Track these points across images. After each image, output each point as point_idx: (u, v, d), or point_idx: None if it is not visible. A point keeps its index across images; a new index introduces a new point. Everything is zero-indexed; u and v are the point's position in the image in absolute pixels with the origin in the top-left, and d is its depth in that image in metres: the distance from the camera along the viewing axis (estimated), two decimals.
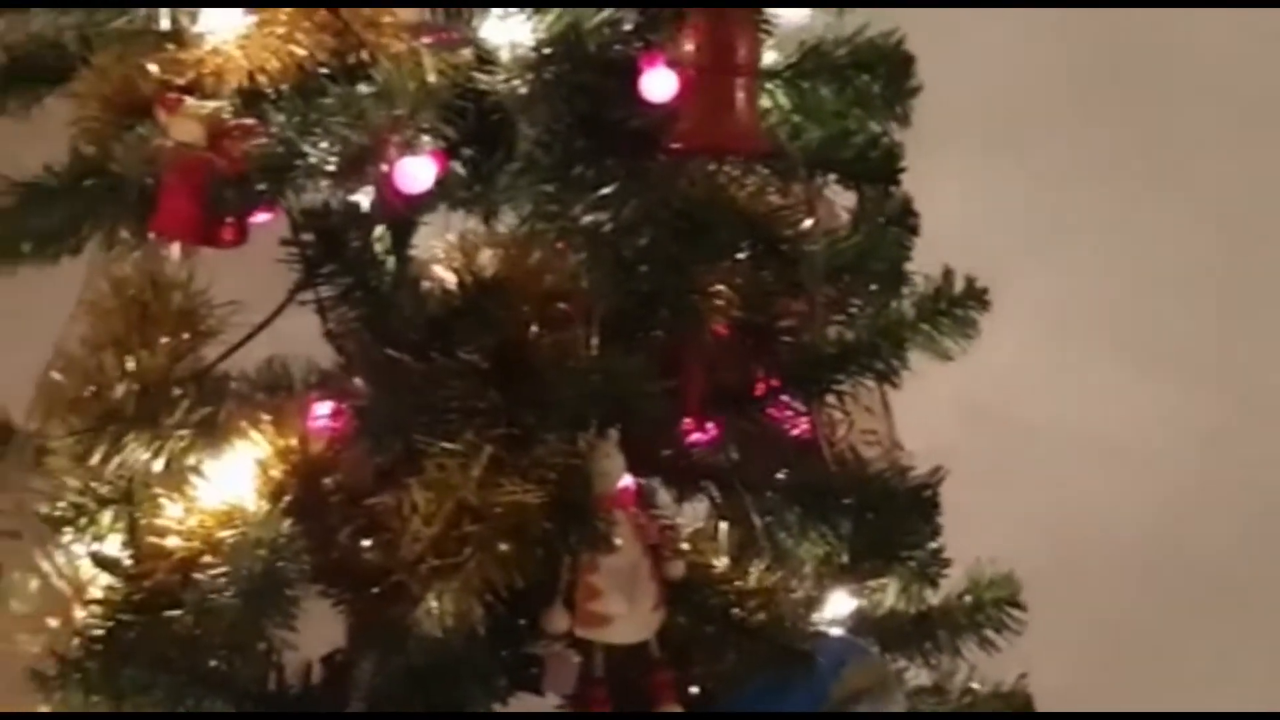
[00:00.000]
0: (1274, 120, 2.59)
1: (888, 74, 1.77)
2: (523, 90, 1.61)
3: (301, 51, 1.64)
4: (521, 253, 1.63)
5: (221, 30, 1.63)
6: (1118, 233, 2.60)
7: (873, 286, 1.82)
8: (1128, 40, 2.57)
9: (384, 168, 1.58)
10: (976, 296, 1.91)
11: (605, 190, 1.61)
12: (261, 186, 1.55)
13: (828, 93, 1.77)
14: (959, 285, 1.91)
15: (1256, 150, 2.59)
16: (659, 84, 1.66)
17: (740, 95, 1.59)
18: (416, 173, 1.59)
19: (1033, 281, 2.48)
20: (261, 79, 1.64)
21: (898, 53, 1.78)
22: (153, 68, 1.66)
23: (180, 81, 1.64)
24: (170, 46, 1.67)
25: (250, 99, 1.64)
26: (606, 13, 1.65)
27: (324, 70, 1.65)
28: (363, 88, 1.63)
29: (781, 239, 1.68)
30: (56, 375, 1.70)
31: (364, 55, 1.65)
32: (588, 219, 1.59)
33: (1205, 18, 2.55)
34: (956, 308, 1.90)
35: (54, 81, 1.80)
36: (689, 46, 1.60)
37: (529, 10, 1.64)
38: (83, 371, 1.67)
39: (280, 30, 1.64)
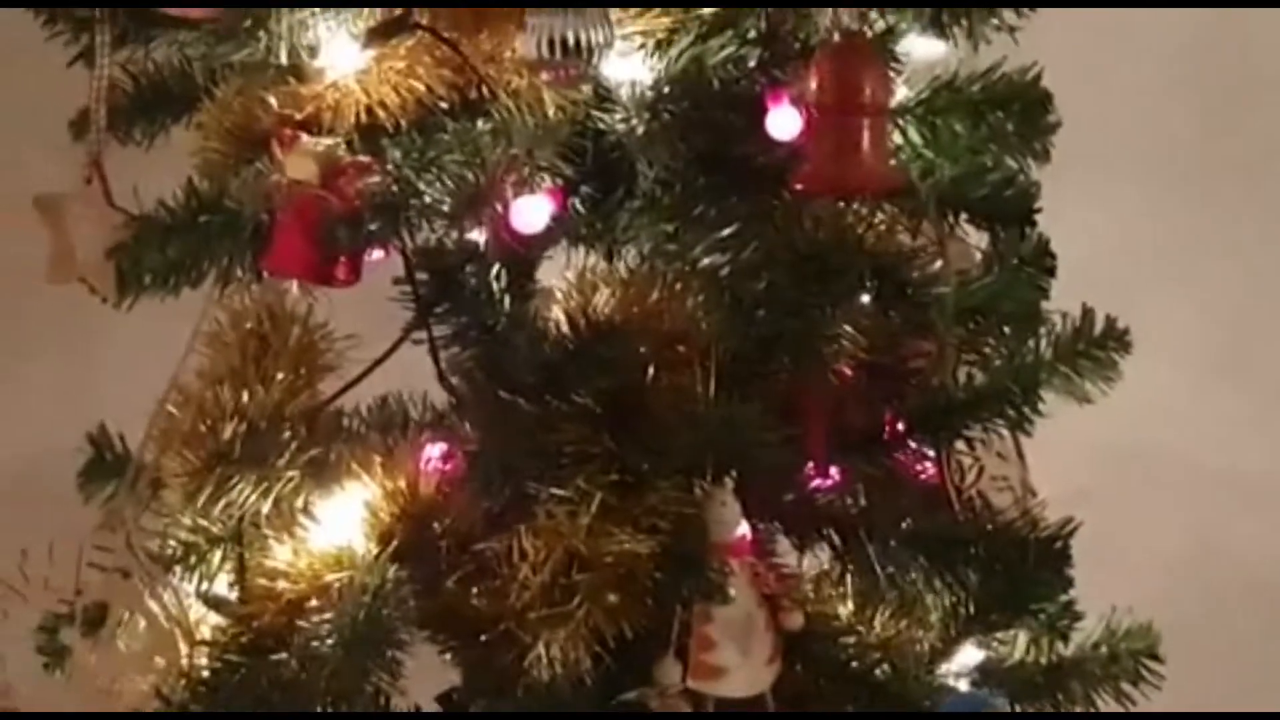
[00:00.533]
0: None
1: (1023, 110, 1.71)
2: (641, 130, 1.56)
3: (420, 86, 1.61)
4: (639, 293, 1.59)
5: (341, 65, 1.60)
6: (1256, 261, 2.51)
7: (1006, 329, 1.75)
8: (1259, 62, 2.48)
9: (499, 207, 1.54)
10: (1117, 337, 1.84)
11: (726, 231, 1.55)
12: (376, 225, 1.51)
13: (961, 129, 1.71)
14: (1099, 325, 1.84)
15: None
16: (784, 122, 1.61)
17: (866, 136, 1.54)
18: (532, 212, 1.56)
19: (1170, 314, 2.40)
20: (380, 114, 1.61)
21: (1035, 89, 1.71)
22: (272, 101, 1.63)
23: (299, 116, 1.62)
24: (290, 81, 1.64)
25: (368, 134, 1.61)
26: (730, 49, 1.61)
27: (442, 105, 1.62)
28: (481, 124, 1.59)
29: (909, 282, 1.62)
30: (171, 409, 1.69)
31: (483, 91, 1.61)
32: (707, 260, 1.55)
33: None
34: (1096, 349, 1.83)
35: (179, 111, 1.79)
36: (814, 85, 1.55)
37: (650, 48, 1.60)
38: (197, 406, 1.66)
39: (399, 65, 1.62)
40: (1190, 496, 2.47)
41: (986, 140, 1.72)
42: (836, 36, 1.57)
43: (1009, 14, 1.67)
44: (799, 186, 1.57)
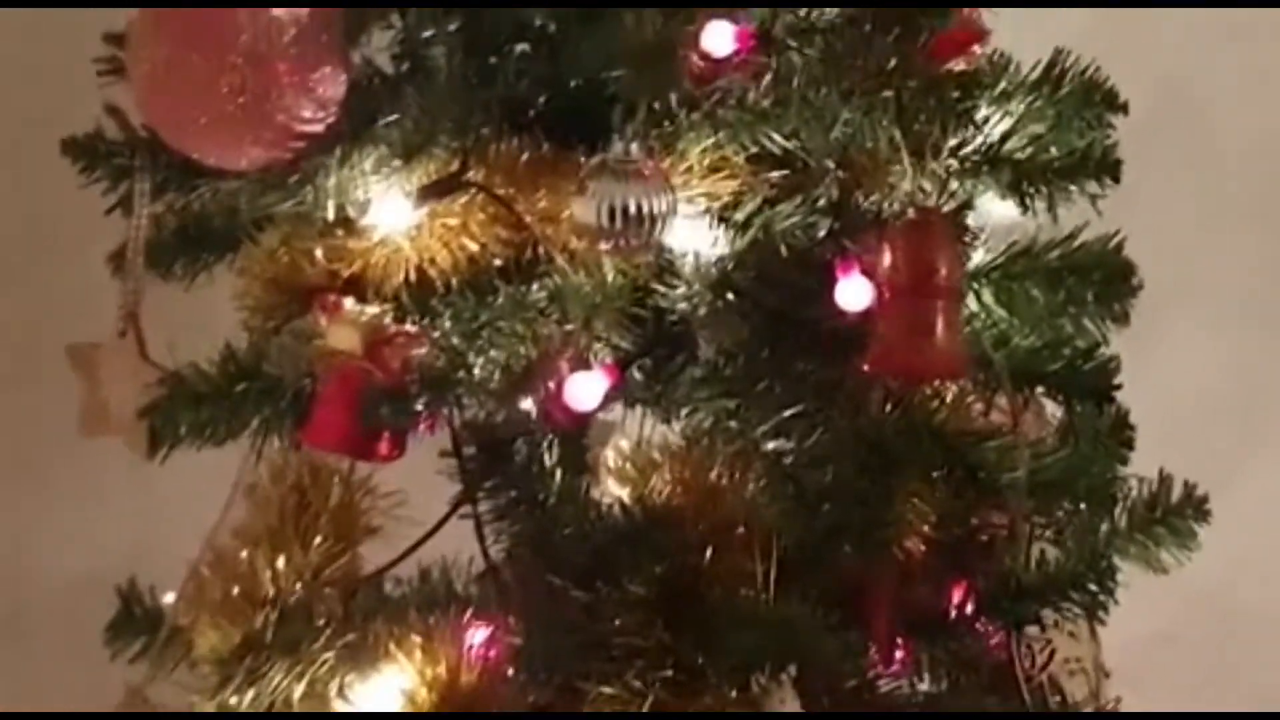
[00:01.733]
0: None
1: (1104, 279, 1.63)
2: (705, 309, 1.48)
3: (473, 245, 1.54)
4: (697, 472, 1.51)
5: (391, 222, 1.53)
6: None
7: (1082, 505, 1.66)
8: None
9: (553, 383, 1.46)
10: (1196, 505, 1.75)
11: (789, 412, 1.47)
12: (422, 402, 1.44)
13: (1039, 294, 1.63)
14: (1176, 491, 1.75)
15: None
16: (854, 293, 1.53)
17: (940, 319, 1.46)
18: (587, 389, 1.48)
19: (1247, 461, 2.31)
20: (431, 272, 1.53)
21: (1117, 258, 1.63)
22: (319, 254, 1.56)
23: (346, 271, 1.55)
24: (338, 234, 1.57)
25: (418, 295, 1.53)
26: (798, 216, 1.53)
27: (496, 263, 1.55)
28: (535, 288, 1.52)
29: (982, 464, 1.53)
30: (205, 570, 1.62)
31: (538, 252, 1.53)
32: (771, 445, 1.46)
33: None
34: (1174, 517, 1.74)
35: (222, 251, 1.72)
36: (886, 262, 1.46)
37: (714, 213, 1.52)
38: (232, 568, 1.59)
39: (452, 222, 1.54)
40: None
41: (1064, 307, 1.64)
42: (911, 211, 1.48)
43: (1091, 183, 1.58)
44: (868, 368, 1.49)
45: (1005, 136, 1.57)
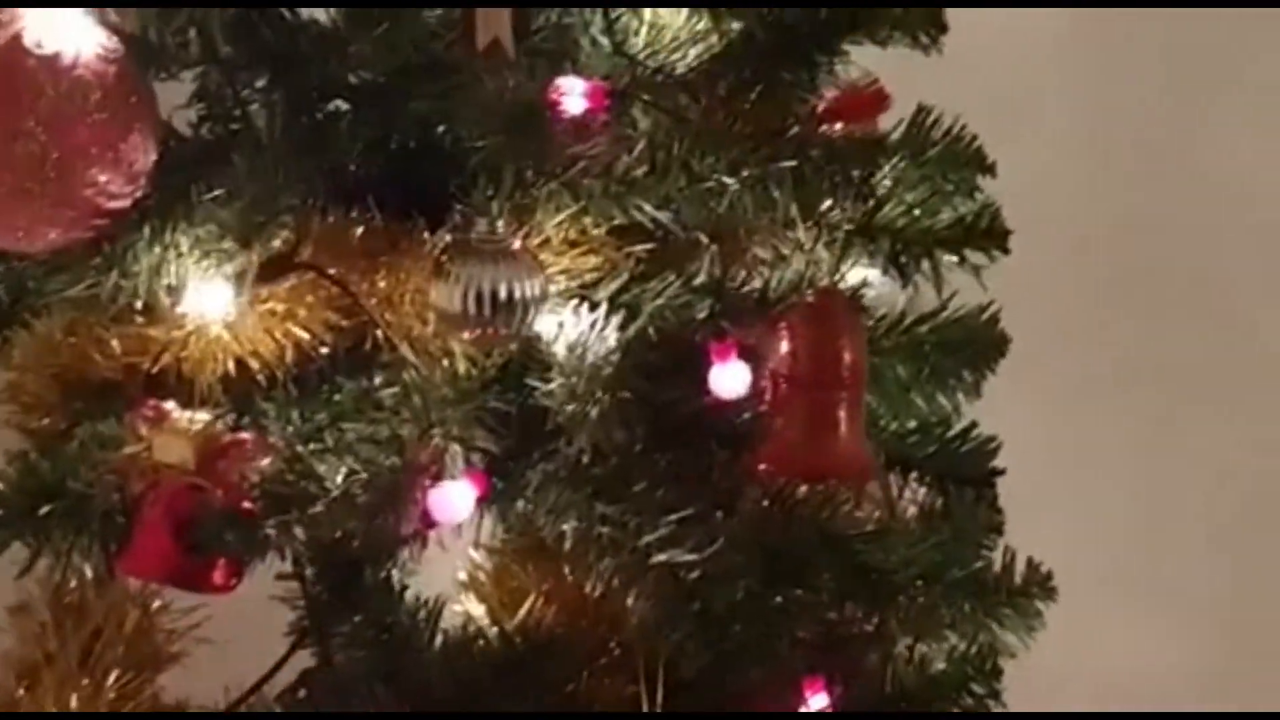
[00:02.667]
0: None
1: (976, 353, 1.51)
2: (575, 403, 1.32)
3: (302, 333, 1.34)
4: (570, 588, 1.34)
5: (206, 307, 1.32)
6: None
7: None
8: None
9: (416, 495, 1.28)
10: (1041, 584, 1.65)
11: (676, 516, 1.32)
12: (271, 525, 1.24)
13: (904, 371, 1.51)
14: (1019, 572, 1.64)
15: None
16: (730, 380, 1.38)
17: (844, 414, 1.32)
18: (455, 501, 1.30)
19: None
20: (253, 364, 1.34)
21: (992, 330, 1.52)
22: (115, 345, 1.35)
23: (149, 365, 1.34)
24: (138, 319, 1.35)
25: (239, 392, 1.33)
26: (671, 294, 1.37)
27: (323, 350, 1.36)
28: (377, 381, 1.34)
29: (873, 565, 1.40)
30: None
31: (377, 340, 1.35)
32: (661, 556, 1.30)
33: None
34: (1019, 597, 1.64)
35: None
36: (784, 351, 1.32)
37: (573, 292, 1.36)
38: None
39: (278, 307, 1.34)
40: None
41: (933, 385, 1.52)
42: (810, 292, 1.34)
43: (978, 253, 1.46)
44: (764, 468, 1.34)
45: (879, 204, 1.44)
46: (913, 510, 1.57)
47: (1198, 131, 2.30)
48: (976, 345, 1.52)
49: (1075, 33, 2.25)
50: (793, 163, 1.30)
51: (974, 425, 1.52)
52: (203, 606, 1.45)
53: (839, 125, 1.40)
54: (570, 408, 1.31)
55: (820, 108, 1.41)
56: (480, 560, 1.43)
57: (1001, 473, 1.52)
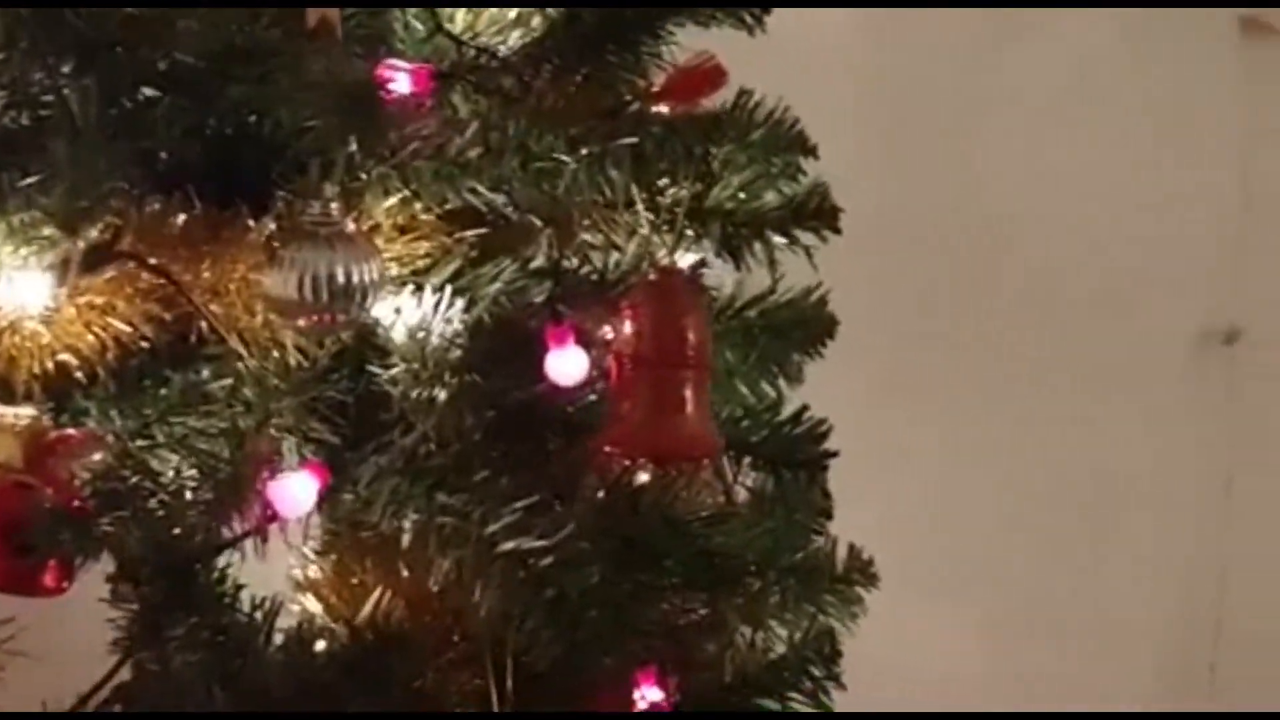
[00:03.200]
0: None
1: (805, 336, 1.51)
2: (418, 390, 1.28)
3: (123, 327, 1.29)
4: (413, 585, 1.30)
5: (26, 304, 1.26)
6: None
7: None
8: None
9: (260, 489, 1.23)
10: (862, 569, 1.65)
11: (523, 504, 1.29)
12: (105, 524, 1.18)
13: (733, 356, 1.50)
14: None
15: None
16: (568, 365, 1.36)
17: (690, 393, 1.30)
18: (297, 494, 1.25)
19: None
20: (72, 360, 1.28)
21: (821, 311, 1.51)
22: None
23: None
24: None
25: (59, 391, 1.27)
26: (502, 280, 1.34)
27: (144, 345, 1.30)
28: (205, 373, 1.29)
29: (719, 550, 1.38)
30: None
31: (203, 333, 1.30)
32: (509, 544, 1.27)
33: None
34: (841, 583, 1.63)
35: None
36: (628, 331, 1.30)
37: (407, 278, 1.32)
38: None
39: (97, 300, 1.29)
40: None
41: (760, 369, 1.51)
42: (652, 272, 1.32)
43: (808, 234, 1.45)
44: (610, 449, 1.32)
45: (708, 186, 1.43)
46: (744, 495, 1.56)
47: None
48: (806, 328, 1.50)
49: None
50: (633, 140, 1.28)
51: (805, 408, 1.51)
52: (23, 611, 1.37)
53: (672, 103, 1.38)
54: (415, 394, 1.26)
55: (655, 86, 1.39)
56: (314, 558, 1.38)
57: (834, 454, 1.51)
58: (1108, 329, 2.48)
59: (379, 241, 1.33)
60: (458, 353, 1.28)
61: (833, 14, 2.19)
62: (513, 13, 1.45)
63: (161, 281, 1.30)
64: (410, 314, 1.31)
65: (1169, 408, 2.57)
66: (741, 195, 1.44)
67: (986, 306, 2.41)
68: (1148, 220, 2.49)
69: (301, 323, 1.26)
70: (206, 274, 1.31)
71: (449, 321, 1.29)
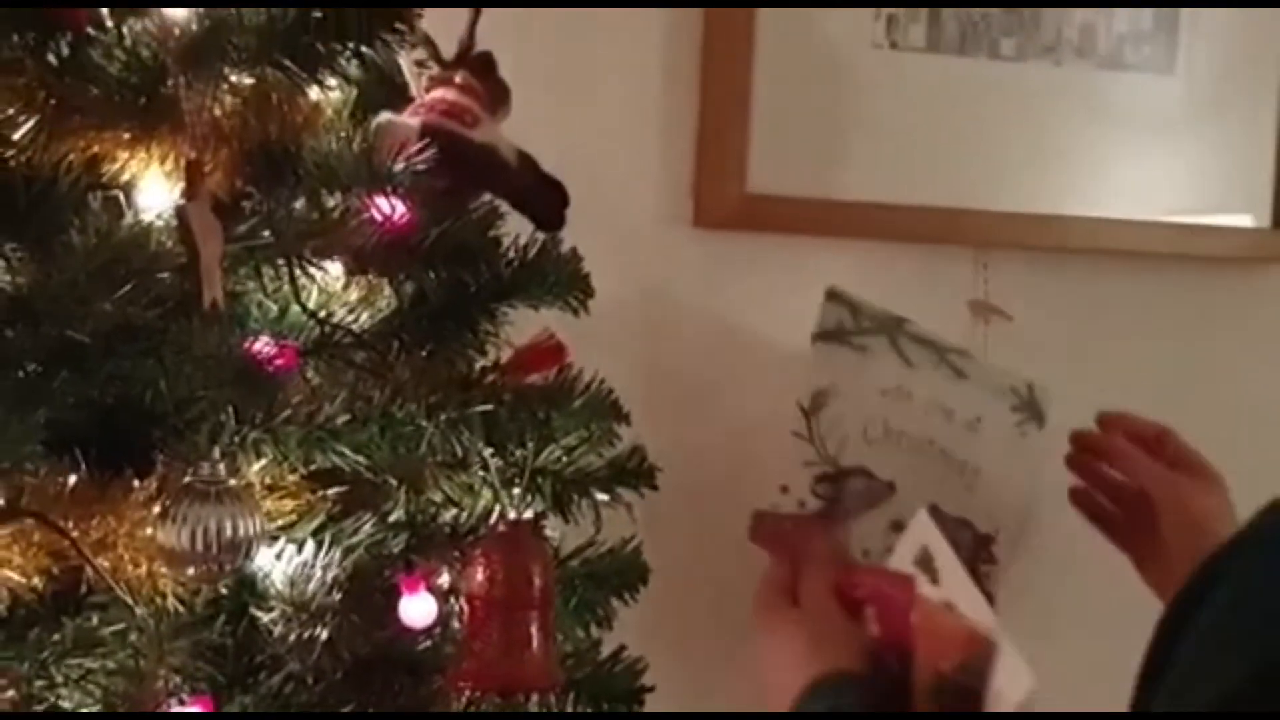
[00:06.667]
0: None
1: (622, 583, 1.69)
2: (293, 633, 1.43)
3: (17, 577, 1.42)
4: None
5: None
6: None
7: None
8: None
9: None
10: None
11: None
12: None
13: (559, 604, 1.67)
14: None
15: None
16: (419, 611, 1.52)
17: (535, 630, 1.47)
18: None
19: None
20: None
21: (636, 559, 1.69)
22: None
23: None
24: None
25: None
26: (365, 532, 1.50)
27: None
28: (95, 620, 1.42)
29: None
30: None
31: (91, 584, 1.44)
32: None
33: None
34: None
35: None
36: (480, 577, 1.47)
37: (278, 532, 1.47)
38: None
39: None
40: None
41: (581, 614, 1.68)
42: (501, 524, 1.49)
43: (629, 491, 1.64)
44: (463, 684, 1.48)
45: (539, 450, 1.61)
46: None
47: None
48: (623, 575, 1.68)
49: None
50: (488, 406, 1.46)
51: (623, 648, 1.68)
52: None
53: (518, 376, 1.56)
54: (291, 637, 1.41)
55: (507, 359, 1.57)
56: None
57: (650, 689, 1.67)
58: None
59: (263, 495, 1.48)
60: (335, 597, 1.43)
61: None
62: (357, 294, 1.63)
63: (54, 536, 1.43)
64: (288, 563, 1.46)
65: None
66: (565, 458, 1.61)
67: None
68: None
69: (191, 571, 1.40)
70: (95, 531, 1.44)
71: (325, 568, 1.44)
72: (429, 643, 1.53)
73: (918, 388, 1.92)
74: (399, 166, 1.45)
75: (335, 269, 1.59)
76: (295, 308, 1.58)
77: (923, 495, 1.89)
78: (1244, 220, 2.26)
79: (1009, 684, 1.50)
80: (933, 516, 1.80)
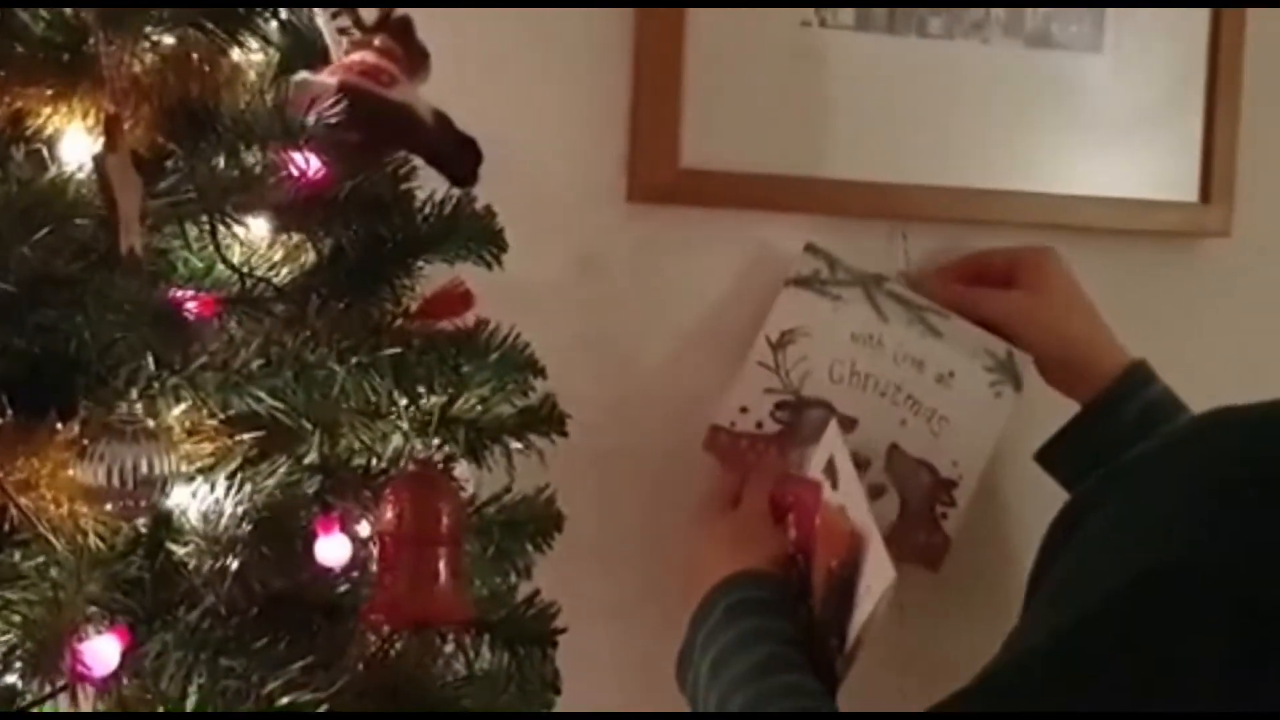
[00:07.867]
0: None
1: (537, 530, 1.74)
2: (207, 566, 1.48)
3: None
4: None
5: None
6: None
7: None
8: None
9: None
10: None
11: (299, 664, 1.49)
12: None
13: (475, 549, 1.72)
14: None
15: None
16: (334, 550, 1.58)
17: (444, 566, 1.53)
18: (103, 653, 1.44)
19: None
20: None
21: (550, 509, 1.75)
22: None
23: None
24: None
25: None
26: (280, 475, 1.56)
27: None
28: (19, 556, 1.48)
29: (472, 712, 1.60)
30: None
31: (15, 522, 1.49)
32: (286, 699, 1.47)
33: None
34: None
35: None
36: (390, 515, 1.53)
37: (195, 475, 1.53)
38: None
39: None
40: None
41: (499, 561, 1.74)
42: (411, 465, 1.55)
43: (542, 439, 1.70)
44: (374, 617, 1.53)
45: (453, 398, 1.66)
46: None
47: None
48: (537, 522, 1.74)
49: None
50: (397, 350, 1.51)
51: (537, 592, 1.74)
52: None
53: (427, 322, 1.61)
54: (208, 565, 1.47)
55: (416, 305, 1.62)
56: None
57: (563, 631, 1.73)
58: None
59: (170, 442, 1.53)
60: (246, 529, 1.49)
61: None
62: (281, 251, 1.68)
63: None
64: (203, 500, 1.52)
65: None
66: (480, 407, 1.67)
67: None
68: None
69: (109, 508, 1.46)
70: (19, 472, 1.50)
71: (238, 504, 1.50)
72: (347, 585, 1.57)
73: (889, 339, 2.00)
74: (311, 120, 1.50)
75: (260, 227, 1.64)
76: (220, 264, 1.63)
77: (885, 434, 1.96)
78: (1172, 195, 2.30)
79: (875, 578, 1.58)
80: (892, 454, 1.88)
